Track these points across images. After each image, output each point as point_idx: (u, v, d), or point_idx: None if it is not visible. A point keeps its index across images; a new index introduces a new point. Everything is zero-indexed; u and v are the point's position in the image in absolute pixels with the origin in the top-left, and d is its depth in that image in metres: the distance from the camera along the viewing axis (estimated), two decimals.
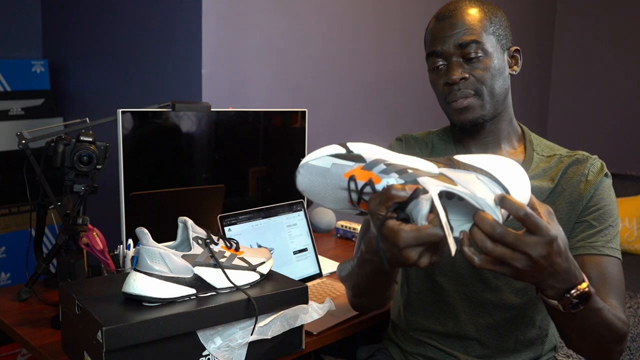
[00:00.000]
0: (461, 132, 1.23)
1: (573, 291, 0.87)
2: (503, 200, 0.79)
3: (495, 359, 1.20)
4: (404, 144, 1.31)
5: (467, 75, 1.13)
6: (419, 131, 1.35)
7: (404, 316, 1.28)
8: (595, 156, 1.20)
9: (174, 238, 1.11)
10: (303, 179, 0.90)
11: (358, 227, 2.03)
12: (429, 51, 1.17)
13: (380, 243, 0.82)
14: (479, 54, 1.12)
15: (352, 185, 0.85)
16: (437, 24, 1.16)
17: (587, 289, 0.88)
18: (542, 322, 1.22)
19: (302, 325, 1.16)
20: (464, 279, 1.19)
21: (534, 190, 1.15)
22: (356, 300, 1.22)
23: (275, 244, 1.56)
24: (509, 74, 1.18)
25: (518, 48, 1.20)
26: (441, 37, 1.14)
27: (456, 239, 0.81)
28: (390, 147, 1.31)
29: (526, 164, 1.20)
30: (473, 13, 1.14)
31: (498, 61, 1.14)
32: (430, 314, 1.23)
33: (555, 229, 0.81)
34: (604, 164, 1.20)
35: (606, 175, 1.17)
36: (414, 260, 0.80)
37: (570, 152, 1.22)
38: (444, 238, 0.76)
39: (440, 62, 1.16)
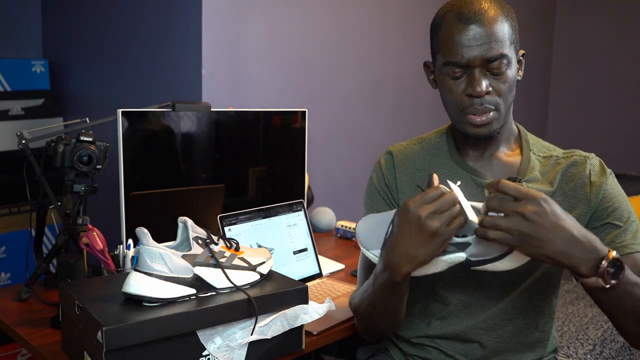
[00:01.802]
0: (466, 138, 1.20)
1: (603, 262, 0.93)
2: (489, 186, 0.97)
3: None
4: (394, 159, 1.27)
5: (490, 89, 1.09)
6: (418, 132, 1.33)
7: (405, 325, 1.27)
8: (592, 154, 1.19)
9: (174, 238, 1.11)
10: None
11: None
12: (449, 60, 1.09)
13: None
14: (503, 68, 1.09)
15: None
16: (460, 27, 1.08)
17: (616, 256, 0.94)
18: (545, 326, 1.22)
19: (302, 325, 1.16)
20: (466, 288, 1.18)
21: None
22: (370, 321, 1.19)
23: (275, 244, 1.56)
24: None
25: (524, 52, 1.17)
26: (466, 47, 1.07)
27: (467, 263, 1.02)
28: (379, 164, 1.29)
29: (523, 165, 1.19)
30: (498, 18, 1.08)
31: (514, 71, 1.12)
32: (432, 321, 1.22)
33: (541, 193, 0.93)
34: (602, 161, 1.19)
35: (610, 173, 1.16)
36: (423, 216, 0.95)
37: (566, 153, 1.20)
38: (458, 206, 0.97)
39: (460, 71, 1.10)
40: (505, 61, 1.09)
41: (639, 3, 3.66)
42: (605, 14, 3.77)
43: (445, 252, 1.01)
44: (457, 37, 1.08)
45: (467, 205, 0.99)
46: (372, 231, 1.09)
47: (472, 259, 1.00)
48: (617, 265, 0.94)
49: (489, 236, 0.95)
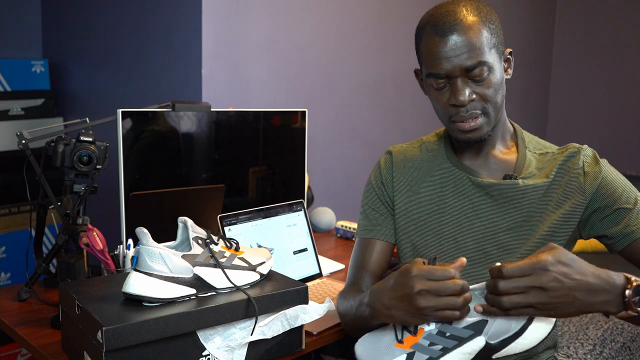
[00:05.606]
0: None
1: (627, 292, 0.89)
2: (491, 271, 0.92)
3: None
4: (393, 159, 1.30)
5: (474, 96, 1.10)
6: (417, 132, 1.35)
7: None
8: (585, 145, 1.20)
9: (174, 238, 1.11)
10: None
11: None
12: (430, 72, 1.12)
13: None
14: (484, 74, 1.09)
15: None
16: (437, 40, 1.09)
17: (635, 282, 0.90)
18: None
19: (302, 325, 1.16)
20: (464, 278, 1.18)
21: (530, 189, 1.16)
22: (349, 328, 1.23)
23: (275, 244, 1.56)
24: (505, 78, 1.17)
25: (511, 50, 1.18)
26: (444, 59, 1.09)
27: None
28: (378, 163, 1.32)
29: (519, 162, 1.20)
30: (474, 26, 1.08)
31: (499, 73, 1.13)
32: None
33: (543, 256, 0.89)
34: (595, 151, 1.20)
35: (604, 161, 1.17)
36: (416, 289, 0.92)
37: (561, 149, 1.22)
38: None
39: (442, 82, 1.12)
40: (485, 68, 1.09)
41: (639, 3, 3.66)
42: (605, 14, 3.77)
43: (462, 340, 0.96)
44: (435, 49, 1.10)
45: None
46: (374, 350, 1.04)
47: (493, 342, 0.95)
48: (639, 290, 0.90)
49: (512, 314, 0.92)
